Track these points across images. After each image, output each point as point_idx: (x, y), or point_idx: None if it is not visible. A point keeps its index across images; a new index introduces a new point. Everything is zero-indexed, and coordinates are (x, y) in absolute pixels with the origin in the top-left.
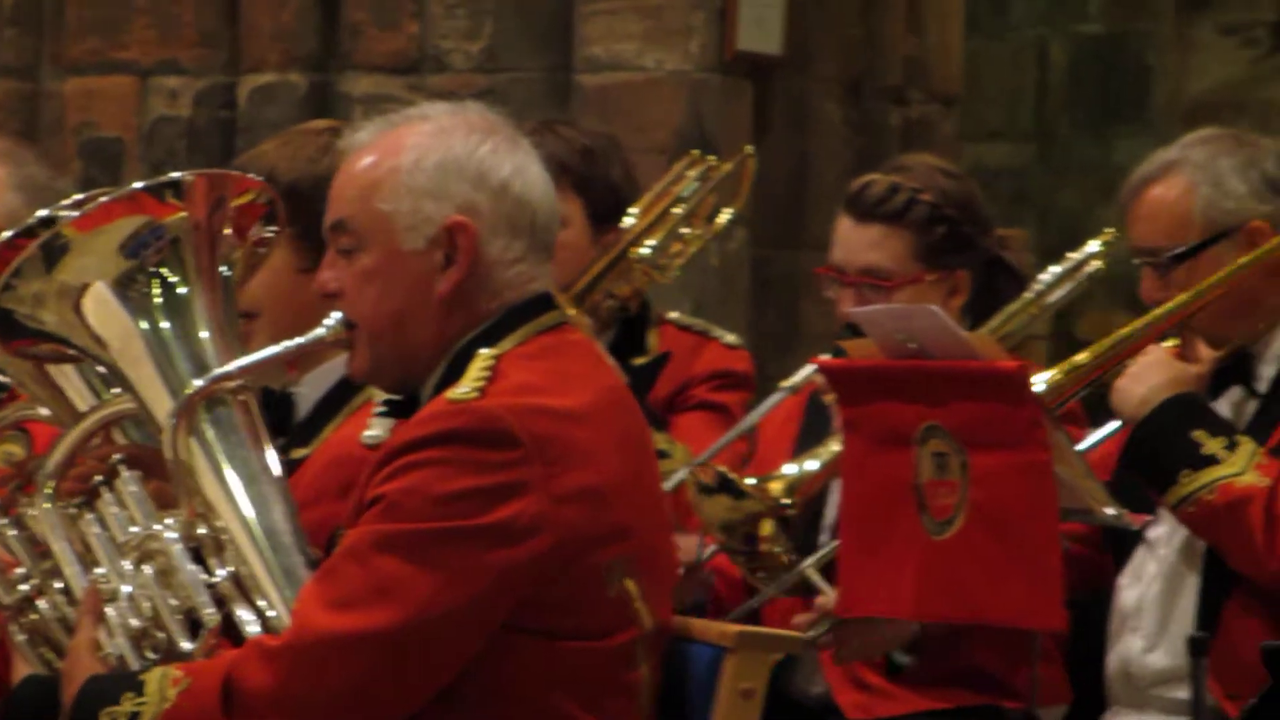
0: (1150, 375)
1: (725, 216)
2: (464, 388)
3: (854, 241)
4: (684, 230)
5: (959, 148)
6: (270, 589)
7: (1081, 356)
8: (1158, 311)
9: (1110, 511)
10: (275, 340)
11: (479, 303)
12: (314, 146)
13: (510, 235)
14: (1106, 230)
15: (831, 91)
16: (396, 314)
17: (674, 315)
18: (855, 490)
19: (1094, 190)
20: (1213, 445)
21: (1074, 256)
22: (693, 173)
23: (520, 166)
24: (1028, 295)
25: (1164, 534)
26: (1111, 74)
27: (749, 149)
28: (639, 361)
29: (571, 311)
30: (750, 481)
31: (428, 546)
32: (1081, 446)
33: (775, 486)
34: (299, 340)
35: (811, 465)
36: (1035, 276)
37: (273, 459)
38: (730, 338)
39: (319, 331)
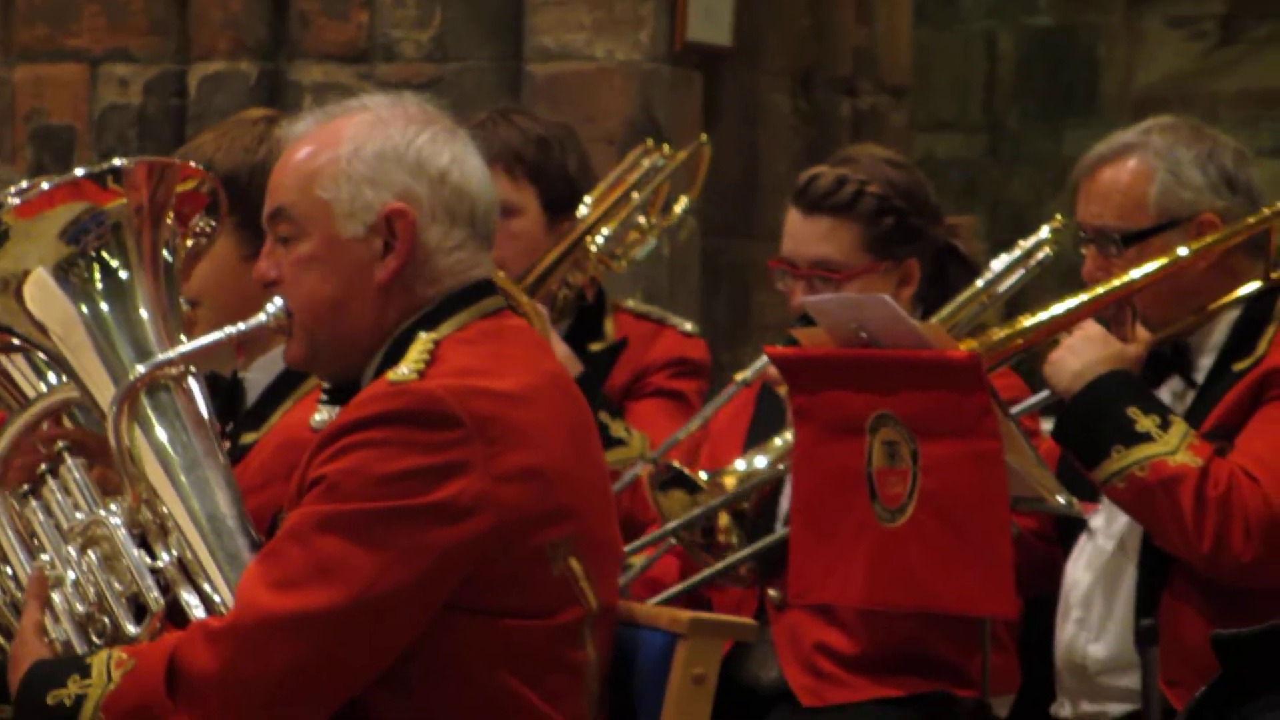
0: (1087, 350)
1: (681, 206)
2: (404, 369)
3: (803, 234)
4: (639, 220)
5: (909, 139)
6: (214, 573)
7: (1018, 324)
8: (1098, 288)
9: (1061, 500)
10: (219, 327)
11: (418, 289)
12: (250, 136)
13: (449, 223)
14: (1056, 217)
15: (781, 82)
16: (335, 301)
17: (630, 303)
18: (807, 478)
19: (1044, 182)
20: (1146, 422)
21: (1024, 244)
22: (647, 162)
23: (458, 156)
24: (978, 284)
25: (1103, 523)
26: (1061, 66)
27: (704, 137)
28: (596, 348)
29: (524, 300)
30: (704, 476)
31: (369, 526)
32: (1016, 409)
33: (729, 480)
34: (241, 326)
35: (763, 460)
36: (986, 265)
37: (217, 444)
38: (687, 326)
39: (260, 317)
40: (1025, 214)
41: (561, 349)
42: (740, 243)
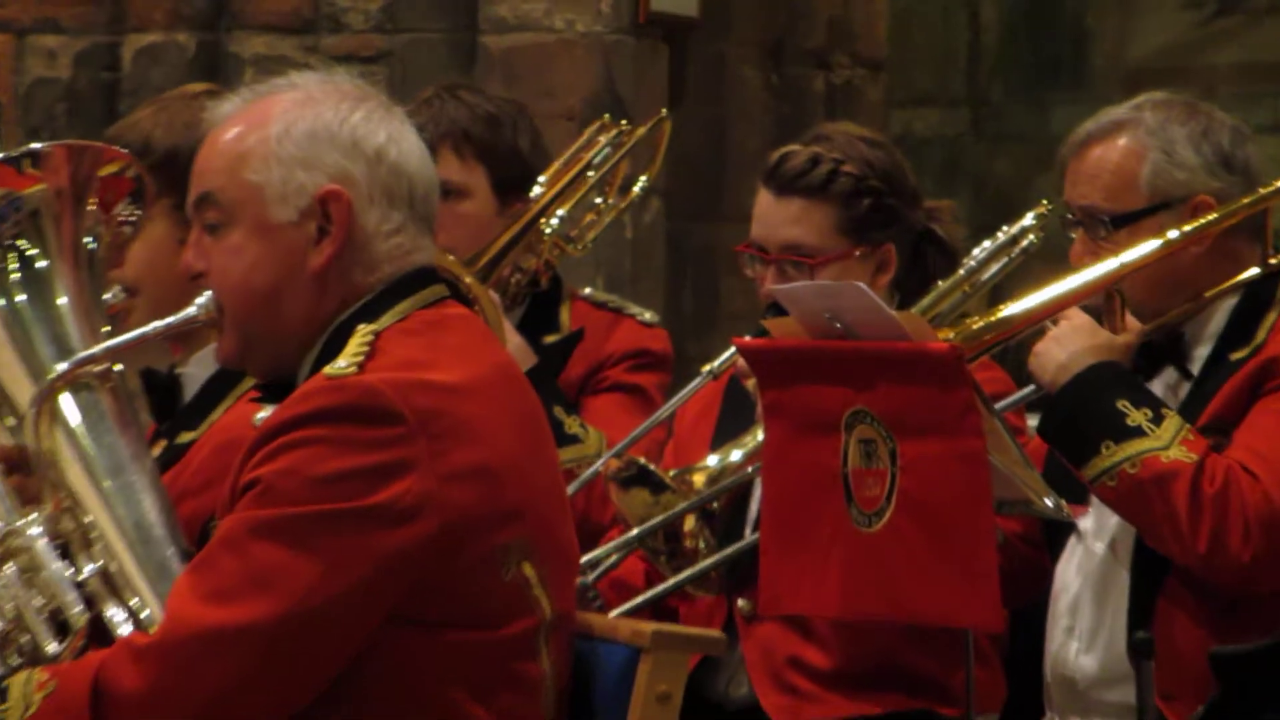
0: (1073, 340)
1: (640, 185)
2: (341, 363)
3: (774, 217)
4: (596, 200)
5: (886, 114)
6: (142, 585)
7: (999, 312)
8: (1085, 273)
9: (1049, 503)
10: (157, 317)
11: (355, 277)
12: (190, 112)
13: (387, 205)
14: (1043, 201)
15: (751, 55)
16: (268, 291)
17: (587, 291)
18: (777, 479)
19: (1030, 160)
20: (1138, 416)
21: (1009, 230)
22: (604, 138)
23: (395, 133)
24: (960, 272)
25: (1092, 525)
26: (1048, 37)
27: (664, 112)
28: (550, 339)
29: (469, 280)
30: (671, 473)
31: (307, 531)
32: (1001, 405)
33: (697, 478)
34: (169, 320)
35: (736, 455)
36: (968, 250)
37: (145, 446)
38: (647, 315)
39: (190, 311)
40: (1010, 195)
41: (514, 340)
42: (707, 225)
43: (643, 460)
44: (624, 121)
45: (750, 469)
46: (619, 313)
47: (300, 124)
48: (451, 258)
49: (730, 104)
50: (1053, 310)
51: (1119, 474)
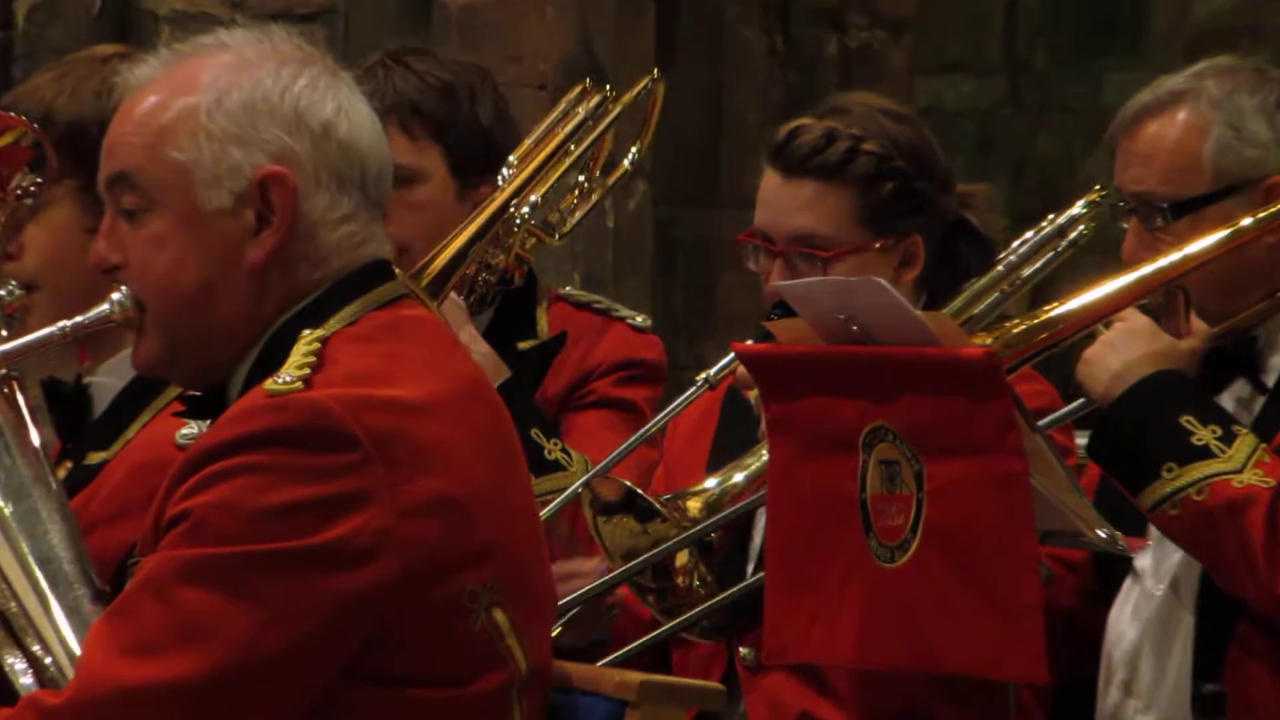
0: (1129, 346)
1: (630, 158)
2: (285, 377)
3: (782, 201)
4: (579, 179)
5: (910, 83)
6: (47, 630)
7: (1043, 314)
8: (1142, 269)
9: (1102, 534)
10: (62, 317)
11: (299, 273)
12: (98, 78)
13: (336, 189)
14: (1095, 187)
15: (753, 13)
16: (197, 289)
17: (568, 290)
18: (785, 507)
19: (1078, 136)
20: (1204, 434)
21: (1054, 219)
22: (584, 109)
23: (345, 105)
24: (998, 268)
25: (1151, 564)
26: None
27: (655, 72)
28: (525, 346)
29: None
30: (662, 499)
31: (245, 575)
32: (1044, 421)
33: (692, 505)
34: (77, 320)
35: (737, 478)
36: (1006, 243)
37: (49, 468)
38: (639, 319)
39: (102, 309)
40: (1055, 177)
41: (481, 350)
42: (701, 213)
43: (628, 483)
44: (607, 88)
45: (754, 495)
46: (607, 315)
47: (234, 93)
48: (398, 271)
49: (728, 71)
50: (1105, 312)
51: (1183, 501)
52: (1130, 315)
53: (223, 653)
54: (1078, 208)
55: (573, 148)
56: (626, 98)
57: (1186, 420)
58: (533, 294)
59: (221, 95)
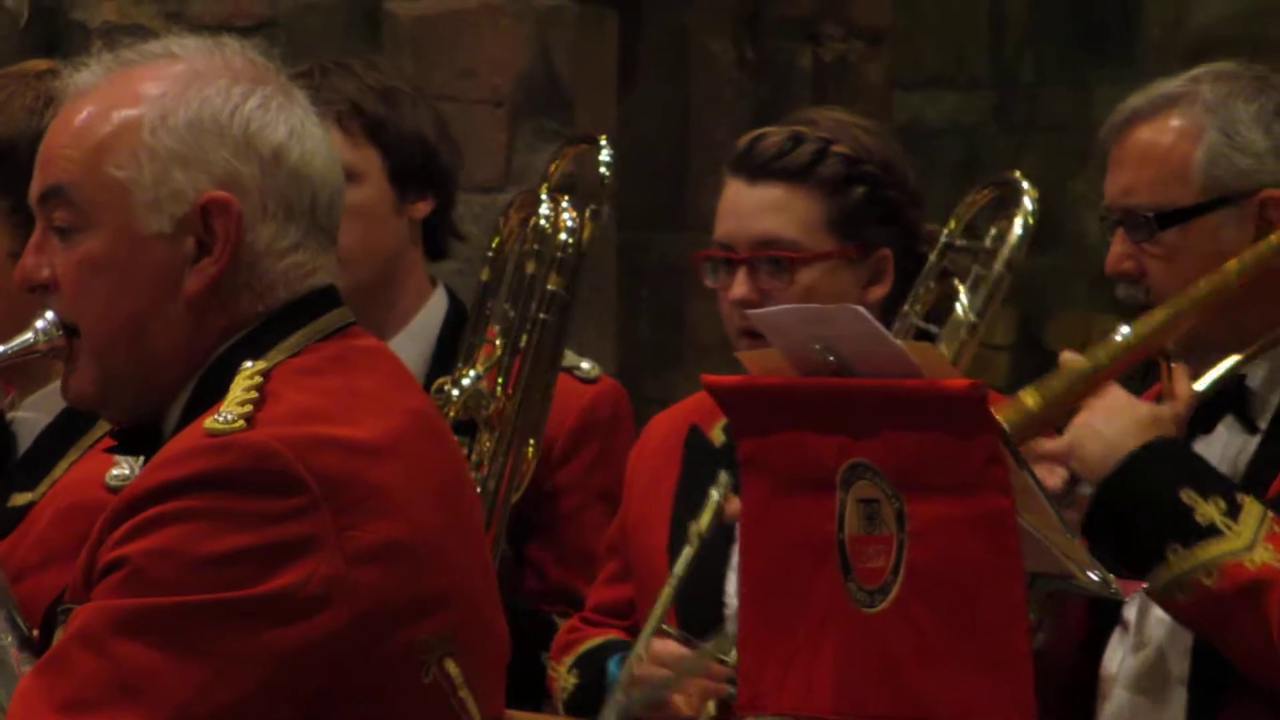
0: (1113, 421)
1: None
2: (226, 414)
3: (746, 206)
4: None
5: (889, 98)
6: None
7: (1025, 403)
8: (1127, 335)
9: (1094, 577)
10: None
11: (241, 304)
12: (32, 94)
13: (284, 218)
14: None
15: (721, 25)
16: (131, 318)
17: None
18: (758, 549)
19: (1067, 154)
20: (1209, 510)
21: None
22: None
23: (298, 128)
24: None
25: (1135, 616)
26: (1090, 2)
27: (603, 140)
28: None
29: None
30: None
31: (186, 627)
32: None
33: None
34: None
35: None
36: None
37: None
38: (584, 365)
39: (26, 337)
40: (1044, 196)
41: None
42: (668, 236)
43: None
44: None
45: None
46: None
47: (181, 110)
48: None
49: (695, 86)
50: (1089, 390)
51: (1193, 584)
52: (1109, 389)
53: (163, 710)
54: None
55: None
56: (563, 221)
57: (1187, 495)
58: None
59: (167, 111)
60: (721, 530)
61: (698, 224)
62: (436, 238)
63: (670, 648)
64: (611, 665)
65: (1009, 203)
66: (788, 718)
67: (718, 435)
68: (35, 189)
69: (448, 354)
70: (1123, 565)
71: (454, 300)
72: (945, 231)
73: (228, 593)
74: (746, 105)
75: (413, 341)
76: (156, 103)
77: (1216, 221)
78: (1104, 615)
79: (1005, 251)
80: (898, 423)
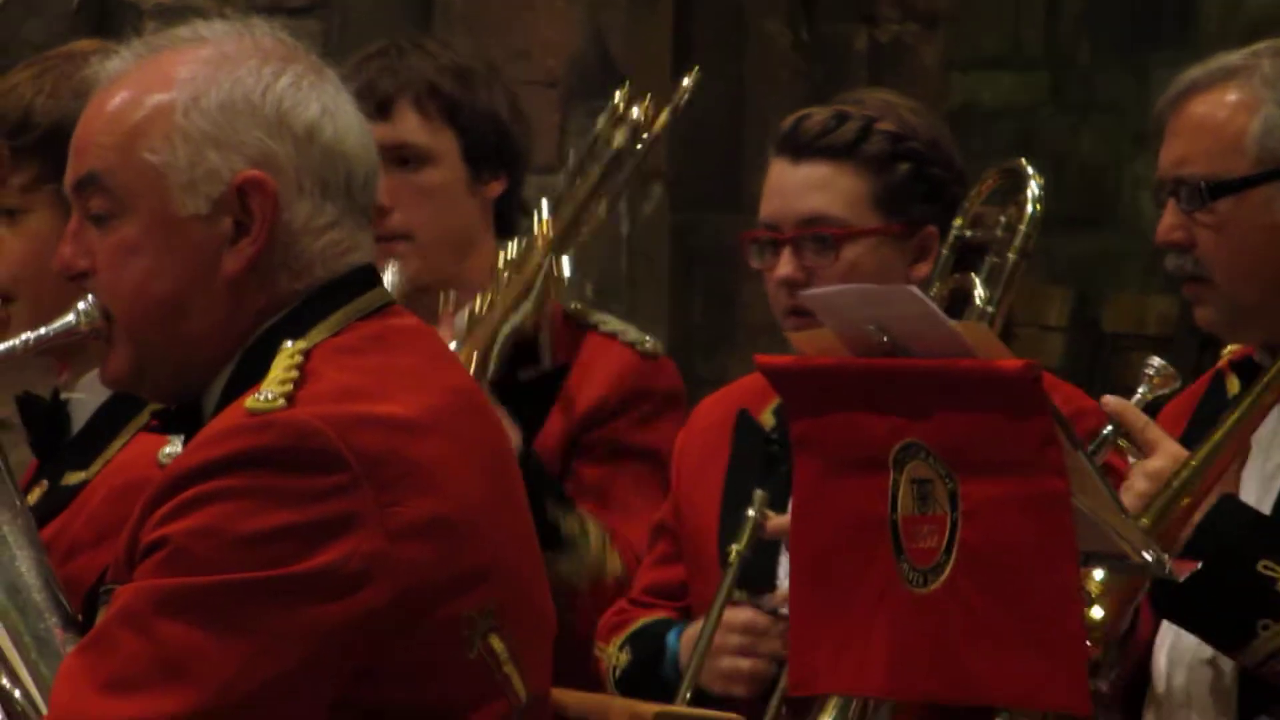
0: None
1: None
2: (267, 393)
3: (791, 185)
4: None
5: (945, 79)
6: (18, 663)
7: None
8: (1219, 432)
9: (1148, 557)
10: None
11: (280, 283)
12: (79, 76)
13: (320, 195)
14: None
15: (776, 5)
16: (171, 299)
17: (575, 306)
18: (811, 529)
19: (1123, 136)
20: None
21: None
22: (619, 137)
23: (330, 106)
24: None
25: None
26: None
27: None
28: (527, 377)
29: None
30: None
31: (229, 606)
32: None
33: None
34: (40, 332)
35: None
36: (1042, 248)
37: (15, 490)
38: (647, 342)
39: (67, 319)
40: (1099, 179)
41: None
42: (721, 217)
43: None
44: (648, 105)
45: None
46: (614, 338)
47: (213, 91)
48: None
49: (750, 67)
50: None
51: None
52: (1158, 447)
53: (207, 688)
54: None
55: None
56: (663, 121)
57: (1265, 566)
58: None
59: (199, 93)
60: (775, 507)
61: (752, 206)
62: (507, 216)
63: (744, 615)
64: (671, 638)
65: (1017, 190)
66: (840, 698)
67: (768, 419)
68: (70, 178)
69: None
70: (1212, 644)
71: None
72: (956, 224)
73: (270, 571)
74: (801, 87)
75: None
76: (188, 85)
77: (1269, 194)
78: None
79: (1017, 240)
80: (951, 403)
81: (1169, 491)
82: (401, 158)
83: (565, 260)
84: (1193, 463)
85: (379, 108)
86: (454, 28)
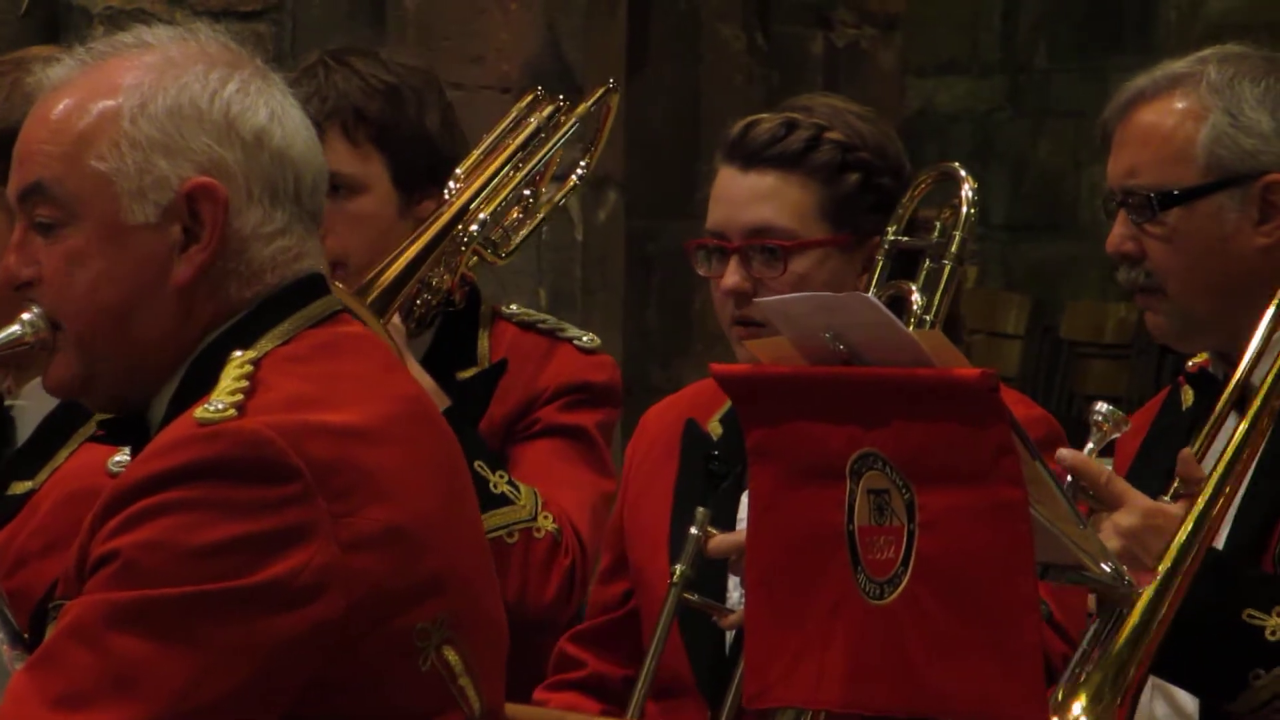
0: (1147, 539)
1: (579, 172)
2: (217, 403)
3: (738, 193)
4: (525, 194)
5: (902, 84)
6: None
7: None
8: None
9: (1107, 569)
10: None
11: (230, 290)
12: (33, 80)
13: (270, 201)
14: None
15: (731, 10)
16: (120, 306)
17: (513, 309)
18: (766, 540)
19: (1081, 141)
20: (1275, 623)
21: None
22: (536, 118)
23: (278, 111)
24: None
25: None
26: None
27: (611, 83)
28: (466, 375)
29: (364, 315)
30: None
31: (180, 619)
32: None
33: None
34: None
35: None
36: (999, 255)
37: None
38: (585, 339)
39: (13, 329)
40: (1056, 184)
41: (420, 378)
42: (677, 224)
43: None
44: (560, 97)
45: None
46: (553, 336)
47: (160, 97)
48: (340, 287)
49: (705, 71)
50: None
51: None
52: (1129, 502)
53: (158, 703)
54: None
55: (522, 162)
56: (581, 109)
57: (1249, 615)
58: (474, 316)
59: (146, 99)
60: (723, 522)
61: (707, 212)
62: None
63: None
64: None
65: (949, 194)
66: (796, 711)
67: (715, 427)
68: (14, 188)
69: (449, 348)
70: (1203, 697)
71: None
72: (889, 230)
73: (221, 583)
74: (757, 92)
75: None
76: (135, 91)
77: (1219, 203)
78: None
79: (953, 245)
80: (908, 412)
81: (1177, 547)
82: (332, 185)
83: (477, 222)
84: (1200, 506)
85: None
86: (407, 32)
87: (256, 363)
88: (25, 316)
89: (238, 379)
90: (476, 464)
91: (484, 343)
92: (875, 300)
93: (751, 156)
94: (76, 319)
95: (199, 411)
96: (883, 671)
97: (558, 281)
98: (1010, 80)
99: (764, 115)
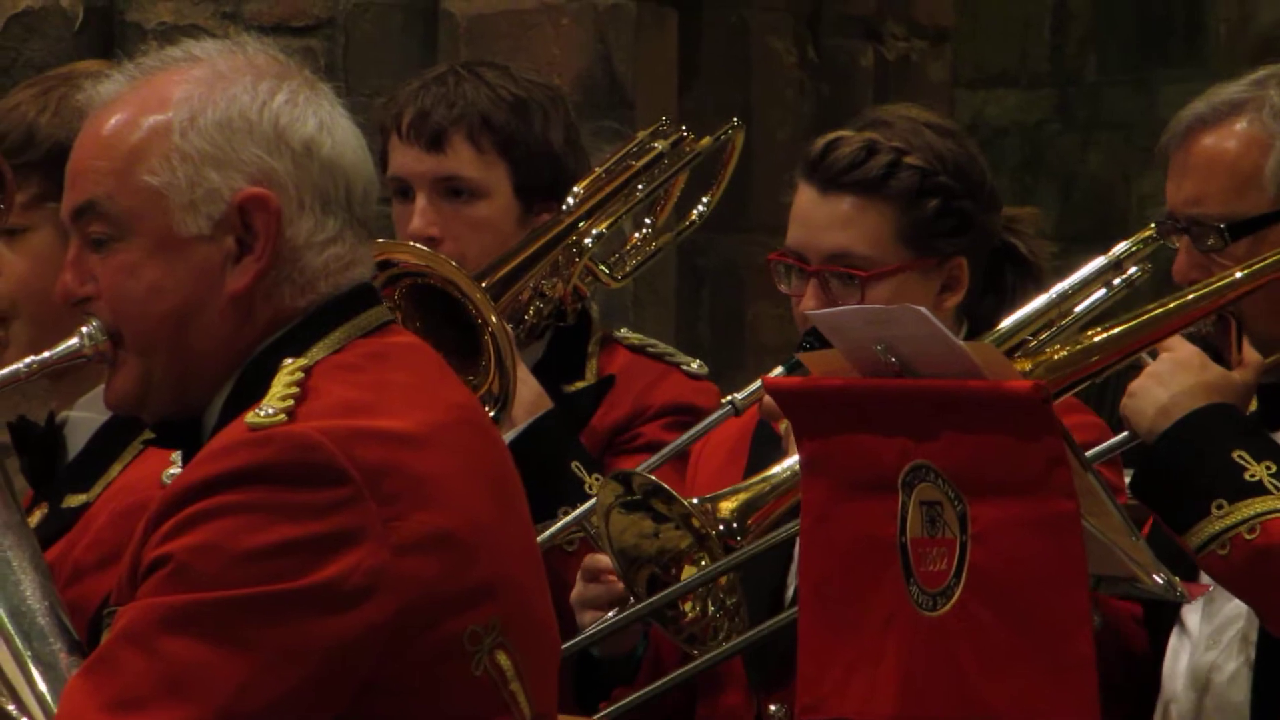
0: (1176, 378)
1: (700, 210)
2: (267, 409)
3: (818, 218)
4: (645, 222)
5: (952, 97)
6: (23, 689)
7: (1086, 340)
8: (1191, 293)
9: (1159, 580)
10: (41, 350)
11: (284, 298)
12: (84, 95)
13: (321, 210)
14: (1150, 226)
15: (782, 24)
16: (176, 316)
17: (624, 332)
18: (820, 552)
19: (1131, 153)
20: (1258, 470)
21: (1110, 255)
22: (660, 144)
23: (327, 121)
24: (1049, 295)
25: (1200, 620)
26: (1154, 0)
27: (736, 121)
28: (572, 389)
29: (479, 298)
30: (692, 501)
31: (232, 622)
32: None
33: (725, 506)
34: (44, 355)
35: (779, 474)
36: (1056, 271)
37: (20, 513)
38: (694, 365)
39: (71, 343)
40: (1106, 197)
41: (529, 386)
42: (729, 237)
43: (657, 479)
44: (684, 128)
45: (788, 505)
46: (662, 361)
47: (209, 110)
48: (455, 265)
49: (756, 85)
50: (1151, 338)
51: (1233, 540)
52: (1177, 345)
53: (211, 705)
54: (1127, 244)
55: (641, 187)
56: (706, 141)
57: (1239, 455)
58: (586, 334)
59: (195, 113)
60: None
61: (759, 225)
62: None
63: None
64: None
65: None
66: None
67: (786, 429)
68: (67, 207)
69: (559, 362)
70: (1166, 524)
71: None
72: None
73: (272, 586)
74: (808, 104)
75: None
76: (184, 105)
77: None
78: (1160, 618)
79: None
80: (960, 424)
81: (1080, 347)
82: (454, 189)
83: (591, 235)
84: (1111, 334)
85: (433, 138)
86: (459, 47)
87: (308, 370)
88: (84, 330)
89: (289, 385)
90: (573, 464)
91: (592, 363)
92: (926, 313)
93: (831, 180)
94: (135, 326)
95: (250, 416)
96: (935, 683)
97: (609, 295)
98: (1060, 93)
99: (845, 133)
